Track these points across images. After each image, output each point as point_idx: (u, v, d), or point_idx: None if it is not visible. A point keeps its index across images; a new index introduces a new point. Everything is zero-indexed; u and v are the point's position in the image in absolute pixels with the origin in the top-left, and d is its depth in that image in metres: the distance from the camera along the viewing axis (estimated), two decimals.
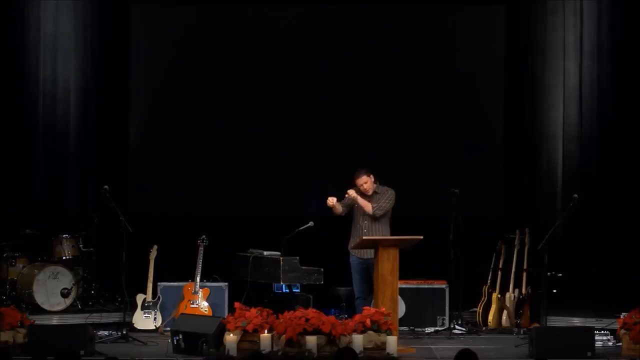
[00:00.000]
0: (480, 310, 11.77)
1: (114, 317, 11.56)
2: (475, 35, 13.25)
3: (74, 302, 11.85)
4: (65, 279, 11.79)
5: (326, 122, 13.21)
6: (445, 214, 11.43)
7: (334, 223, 11.27)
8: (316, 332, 9.73)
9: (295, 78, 13.31)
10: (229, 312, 11.02)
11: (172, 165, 13.30)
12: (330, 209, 10.96)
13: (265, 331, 9.78)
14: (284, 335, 9.72)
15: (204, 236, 11.63)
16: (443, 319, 11.64)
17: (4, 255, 12.00)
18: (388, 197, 11.05)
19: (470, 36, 13.25)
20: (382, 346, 9.73)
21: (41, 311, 11.58)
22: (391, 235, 10.96)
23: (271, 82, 13.31)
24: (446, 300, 11.66)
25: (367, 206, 10.98)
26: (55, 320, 11.40)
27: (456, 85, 13.21)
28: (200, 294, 11.49)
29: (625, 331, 10.14)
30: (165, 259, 11.86)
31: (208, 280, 11.70)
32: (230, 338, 9.70)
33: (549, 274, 11.09)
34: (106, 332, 11.01)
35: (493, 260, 11.98)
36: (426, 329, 11.53)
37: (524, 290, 11.72)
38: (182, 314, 11.03)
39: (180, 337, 10.00)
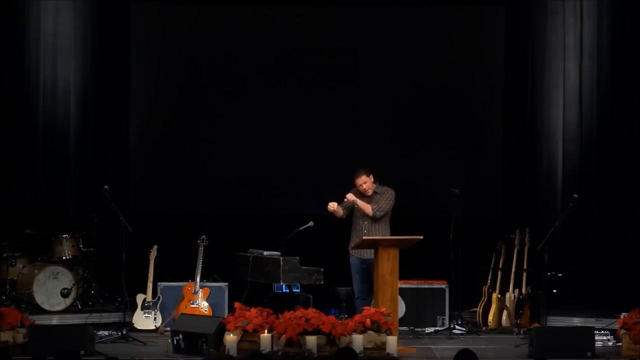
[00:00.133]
0: (480, 310, 11.77)
1: (114, 317, 11.55)
2: (475, 35, 13.25)
3: (74, 302, 11.85)
4: (65, 279, 11.79)
5: (326, 122, 13.21)
6: (445, 214, 11.43)
7: (334, 223, 11.27)
8: (316, 332, 9.73)
9: (295, 78, 13.31)
10: (229, 312, 11.02)
11: (172, 165, 13.30)
12: (331, 212, 10.95)
13: (265, 331, 9.78)
14: (284, 335, 9.72)
15: (204, 236, 11.63)
16: (443, 319, 11.64)
17: (4, 255, 12.00)
18: (388, 197, 11.05)
19: (470, 36, 13.25)
20: (382, 346, 9.73)
21: (41, 311, 11.57)
22: (391, 235, 10.96)
23: (271, 82, 13.31)
24: (446, 300, 11.67)
25: (367, 208, 10.97)
26: (55, 320, 11.40)
27: (456, 85, 13.21)
28: (200, 294, 11.49)
29: (625, 331, 10.14)
30: (165, 259, 11.86)
31: (208, 280, 11.70)
32: (230, 338, 9.70)
33: (549, 274, 11.09)
34: (106, 332, 11.01)
35: (493, 260, 11.98)
36: (426, 329, 11.53)
37: (524, 290, 11.73)
38: (182, 314, 11.03)
39: (180, 337, 10.00)
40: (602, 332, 10.70)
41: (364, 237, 10.66)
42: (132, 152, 13.36)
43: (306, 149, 13.21)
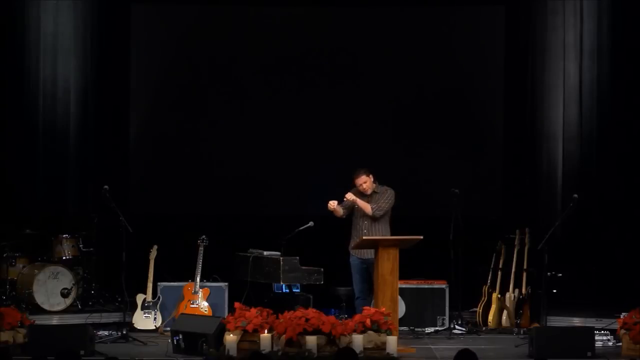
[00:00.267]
0: (480, 310, 11.77)
1: (114, 317, 11.56)
2: (475, 35, 13.25)
3: (74, 302, 11.85)
4: (65, 279, 11.79)
5: (326, 122, 13.21)
6: (445, 214, 11.43)
7: (334, 223, 11.27)
8: (316, 332, 9.73)
9: (295, 78, 13.31)
10: (229, 312, 11.02)
11: (172, 165, 13.29)
12: (331, 212, 10.95)
13: (265, 331, 9.78)
14: (284, 335, 9.72)
15: (204, 236, 11.63)
16: (443, 319, 11.64)
17: (4, 255, 11.99)
18: (387, 197, 11.05)
19: (470, 36, 13.25)
20: (382, 346, 9.73)
21: (41, 311, 11.57)
22: (391, 235, 10.96)
23: (271, 81, 13.31)
24: (446, 300, 11.67)
25: (367, 207, 10.98)
26: (55, 320, 11.40)
27: (456, 85, 13.21)
28: (200, 294, 11.49)
29: (625, 331, 10.14)
30: (165, 259, 11.86)
31: (208, 280, 11.70)
32: (230, 338, 9.70)
33: (549, 274, 11.09)
34: (106, 332, 11.01)
35: (493, 260, 11.98)
36: (426, 329, 11.53)
37: (524, 290, 11.72)
38: (182, 314, 11.03)
39: (180, 337, 10.00)
40: (602, 332, 10.70)
41: (364, 237, 10.66)
42: (132, 152, 13.36)
43: (306, 149, 13.21)
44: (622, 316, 10.42)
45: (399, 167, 12.85)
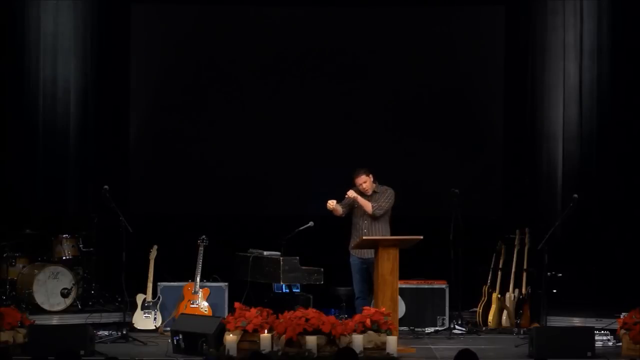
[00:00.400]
0: (480, 310, 11.77)
1: (114, 317, 11.56)
2: (475, 35, 13.25)
3: (74, 302, 11.85)
4: (65, 279, 11.79)
5: (326, 122, 13.21)
6: (445, 214, 11.43)
7: (334, 223, 11.27)
8: (316, 332, 9.73)
9: (295, 78, 13.31)
10: (229, 312, 11.02)
11: (172, 165, 13.29)
12: (330, 211, 10.95)
13: (265, 331, 9.78)
14: (284, 335, 9.72)
15: (204, 236, 11.63)
16: (443, 319, 11.64)
17: (4, 255, 11.99)
18: (387, 196, 11.06)
19: (470, 36, 13.25)
20: (382, 346, 9.73)
21: (41, 311, 11.57)
22: (391, 235, 10.96)
23: (271, 81, 13.31)
24: (446, 300, 11.67)
25: (367, 205, 10.98)
26: (55, 320, 11.40)
27: (456, 85, 13.21)
28: (200, 294, 11.49)
29: (625, 331, 10.14)
30: (165, 259, 11.86)
31: (208, 280, 11.70)
32: (230, 338, 9.70)
33: (549, 274, 11.09)
34: (106, 332, 11.01)
35: (493, 260, 11.98)
36: (426, 329, 11.53)
37: (524, 290, 11.72)
38: (182, 314, 11.03)
39: (180, 337, 10.00)
40: (602, 332, 10.70)
41: (364, 237, 10.66)
42: (132, 152, 13.36)
43: (306, 149, 13.21)
44: (622, 316, 10.42)
45: (399, 167, 12.85)
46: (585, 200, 11.62)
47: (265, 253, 11.21)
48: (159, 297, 11.55)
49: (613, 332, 10.66)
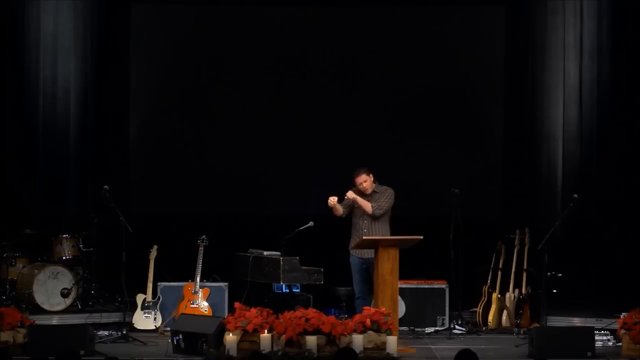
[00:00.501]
0: (480, 310, 11.77)
1: (114, 317, 11.55)
2: (475, 35, 13.25)
3: (74, 302, 11.85)
4: (65, 279, 11.79)
5: (326, 122, 13.21)
6: (445, 214, 11.43)
7: (334, 223, 11.27)
8: (316, 332, 9.73)
9: (295, 78, 13.31)
10: (229, 312, 11.02)
11: (172, 165, 13.30)
12: (331, 208, 10.96)
13: (265, 331, 9.78)
14: (284, 335, 9.72)
15: (204, 236, 11.63)
16: (443, 319, 11.64)
17: (4, 255, 11.99)
18: (387, 196, 11.06)
19: (470, 36, 13.25)
20: (382, 346, 9.73)
21: (41, 311, 11.57)
22: (391, 235, 10.96)
23: (271, 81, 13.31)
24: (446, 300, 11.67)
25: (367, 206, 10.98)
26: (55, 320, 11.40)
27: (456, 85, 13.21)
28: (200, 294, 11.49)
29: (625, 331, 10.14)
30: (165, 259, 11.86)
31: (208, 280, 11.70)
32: (230, 338, 9.70)
33: (549, 274, 11.09)
34: (106, 332, 11.01)
35: (493, 260, 11.98)
36: (426, 329, 11.53)
37: (524, 290, 11.72)
38: (182, 314, 11.03)
39: (180, 337, 10.00)
40: (602, 332, 10.70)
41: (364, 237, 10.66)
42: (132, 152, 13.36)
43: (306, 148, 13.21)
44: (622, 316, 10.42)
45: (399, 167, 12.85)
46: (585, 200, 11.61)
47: (265, 253, 11.21)
48: (159, 297, 11.55)
49: (613, 332, 10.65)
